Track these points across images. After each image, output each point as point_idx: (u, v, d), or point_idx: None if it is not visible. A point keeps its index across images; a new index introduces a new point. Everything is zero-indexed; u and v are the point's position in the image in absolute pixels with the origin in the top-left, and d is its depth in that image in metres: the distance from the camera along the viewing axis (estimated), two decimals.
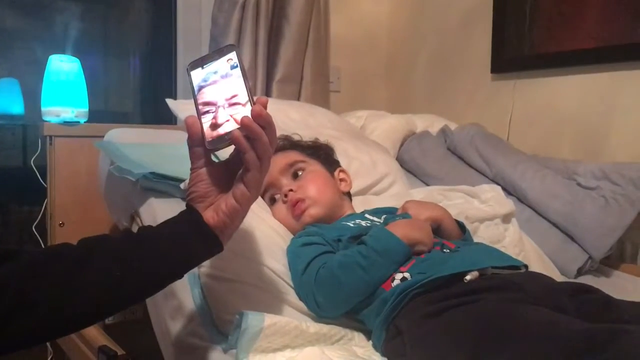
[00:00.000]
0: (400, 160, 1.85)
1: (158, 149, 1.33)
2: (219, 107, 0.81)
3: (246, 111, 0.79)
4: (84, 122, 1.64)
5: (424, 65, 2.43)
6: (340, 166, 1.34)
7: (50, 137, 1.58)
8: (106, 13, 2.41)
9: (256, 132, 0.77)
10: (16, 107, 2.13)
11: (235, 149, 0.83)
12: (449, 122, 2.03)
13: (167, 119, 2.12)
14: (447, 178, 1.73)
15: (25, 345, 0.72)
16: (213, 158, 0.86)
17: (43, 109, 1.60)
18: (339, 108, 2.19)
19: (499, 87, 2.11)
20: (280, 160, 1.23)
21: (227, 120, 0.80)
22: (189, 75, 0.84)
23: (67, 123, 1.60)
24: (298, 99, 2.14)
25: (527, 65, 2.02)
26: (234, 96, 0.80)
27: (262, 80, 2.04)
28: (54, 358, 1.64)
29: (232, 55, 0.82)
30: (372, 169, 1.55)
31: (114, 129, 1.43)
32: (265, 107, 0.78)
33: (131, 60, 2.43)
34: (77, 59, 1.65)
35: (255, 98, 0.80)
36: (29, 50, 2.20)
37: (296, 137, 1.36)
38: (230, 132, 0.78)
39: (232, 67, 0.81)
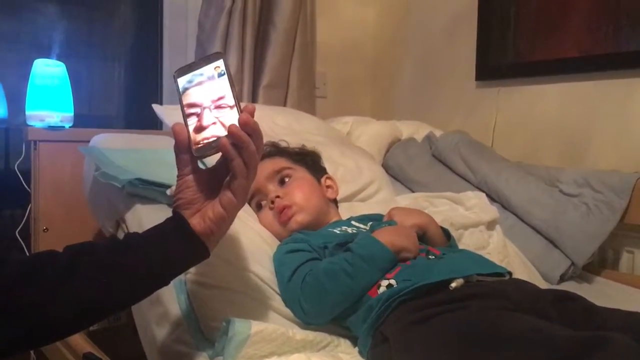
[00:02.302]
0: (385, 166, 1.86)
1: (144, 155, 1.32)
2: (204, 108, 0.81)
3: (233, 116, 0.79)
4: (69, 127, 1.63)
5: (409, 71, 2.45)
6: (327, 173, 1.34)
7: (35, 141, 1.56)
8: (91, 16, 2.40)
9: (243, 140, 0.78)
10: None
11: (222, 157, 0.83)
12: (433, 128, 2.04)
13: (152, 123, 2.11)
14: (432, 185, 1.74)
15: (13, 351, 0.72)
16: (200, 165, 0.86)
17: (28, 113, 1.59)
18: (325, 114, 2.19)
19: (484, 94, 2.13)
20: (267, 167, 1.24)
21: (214, 123, 0.80)
22: (176, 82, 0.84)
23: (51, 128, 1.58)
24: (284, 104, 2.14)
25: (511, 73, 2.04)
26: (220, 98, 0.80)
27: (249, 86, 2.04)
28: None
29: (220, 62, 0.82)
30: (358, 176, 1.56)
31: (99, 134, 1.43)
32: (252, 115, 0.79)
33: (116, 65, 2.41)
34: (63, 63, 1.64)
35: (242, 106, 0.80)
36: (12, 53, 2.17)
37: (283, 144, 1.36)
38: (217, 140, 0.78)
39: (220, 75, 0.81)
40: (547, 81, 1.93)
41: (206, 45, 1.98)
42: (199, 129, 0.80)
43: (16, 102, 2.06)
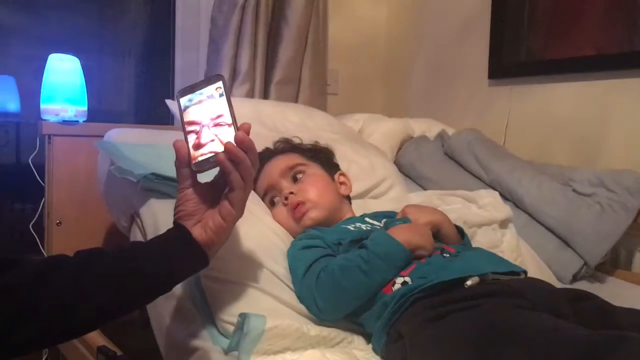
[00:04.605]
0: (397, 164, 1.85)
1: (158, 150, 1.32)
2: (203, 126, 0.86)
3: (230, 133, 0.84)
4: (83, 121, 1.64)
5: (422, 69, 2.44)
6: (340, 169, 1.34)
7: (49, 136, 1.57)
8: (103, 11, 2.41)
9: (239, 157, 0.83)
10: (12, 104, 2.12)
11: (220, 171, 0.88)
12: (446, 126, 2.04)
13: (162, 119, 2.12)
14: (444, 183, 1.74)
15: (30, 349, 0.75)
16: (205, 178, 0.90)
17: (42, 107, 1.59)
18: (336, 111, 2.19)
19: (496, 92, 2.12)
20: (280, 163, 1.24)
21: (212, 140, 0.85)
22: (178, 101, 0.89)
23: (66, 122, 1.59)
24: (296, 101, 2.14)
25: (524, 72, 2.02)
26: (219, 116, 0.86)
27: (261, 82, 2.04)
28: (48, 358, 1.64)
29: (220, 84, 0.87)
30: (371, 173, 1.56)
31: (113, 129, 1.43)
32: (248, 133, 0.84)
33: (127, 59, 2.42)
34: (77, 58, 1.65)
35: (239, 124, 0.85)
36: (24, 48, 2.19)
37: (296, 140, 1.36)
38: (215, 155, 0.84)
39: (220, 95, 0.86)
40: (561, 80, 1.92)
41: (218, 41, 1.98)
42: (198, 145, 0.86)
43: (28, 97, 2.07)
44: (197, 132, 0.86)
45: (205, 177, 0.91)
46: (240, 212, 0.88)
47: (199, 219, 0.88)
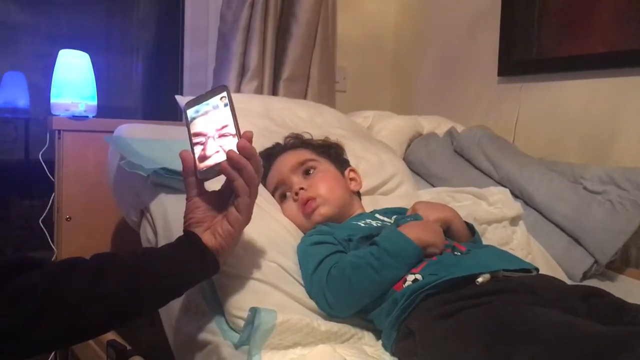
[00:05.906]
0: (406, 161, 1.84)
1: (169, 145, 1.32)
2: (209, 137, 0.90)
3: (234, 143, 0.88)
4: (93, 116, 1.64)
5: (430, 66, 2.43)
6: (350, 165, 1.34)
7: (59, 131, 1.58)
8: (112, 8, 2.41)
9: (240, 163, 0.86)
10: (22, 100, 2.13)
11: (226, 179, 0.91)
12: (455, 124, 2.03)
13: (170, 115, 2.12)
14: (453, 180, 1.73)
15: (47, 349, 0.77)
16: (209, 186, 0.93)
17: (52, 102, 1.60)
18: (344, 108, 2.18)
19: (506, 90, 2.11)
20: (291, 158, 1.24)
21: (217, 152, 0.89)
22: (185, 113, 0.92)
23: (75, 117, 1.60)
24: (304, 98, 2.14)
25: (534, 69, 2.01)
26: (224, 127, 0.89)
27: (269, 79, 2.03)
28: (58, 352, 1.64)
29: (224, 94, 0.90)
30: (380, 169, 1.55)
31: (123, 124, 1.43)
32: (250, 141, 0.88)
33: (136, 56, 2.42)
34: (87, 54, 1.65)
35: (242, 132, 0.89)
36: (33, 45, 2.19)
37: (306, 136, 1.36)
38: (219, 164, 0.87)
39: (225, 105, 0.89)
40: (571, 77, 1.91)
41: (228, 37, 1.98)
42: (204, 157, 0.90)
43: (38, 93, 2.07)
44: (203, 144, 0.90)
45: (215, 185, 0.94)
46: (247, 218, 0.92)
47: (208, 225, 0.91)
